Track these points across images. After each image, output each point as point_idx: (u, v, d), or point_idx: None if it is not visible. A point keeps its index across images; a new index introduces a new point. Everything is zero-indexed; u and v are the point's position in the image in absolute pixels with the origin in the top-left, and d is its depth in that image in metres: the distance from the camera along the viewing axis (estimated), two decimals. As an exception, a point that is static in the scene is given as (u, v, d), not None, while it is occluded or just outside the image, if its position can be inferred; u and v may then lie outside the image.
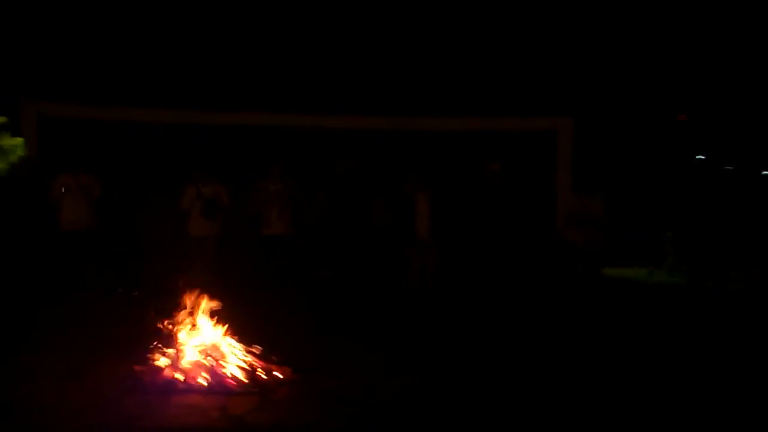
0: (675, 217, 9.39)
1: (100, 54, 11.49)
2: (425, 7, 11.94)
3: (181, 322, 5.09)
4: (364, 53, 11.85)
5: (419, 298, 8.05)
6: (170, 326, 5.04)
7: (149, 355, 4.98)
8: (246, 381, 4.78)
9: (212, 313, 5.21)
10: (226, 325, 5.18)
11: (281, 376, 4.93)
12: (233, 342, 5.12)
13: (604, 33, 11.86)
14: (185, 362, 4.87)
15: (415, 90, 11.06)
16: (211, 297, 5.27)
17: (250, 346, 5.15)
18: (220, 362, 4.88)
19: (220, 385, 4.73)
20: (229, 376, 4.81)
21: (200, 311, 5.21)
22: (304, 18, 11.69)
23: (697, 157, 11.80)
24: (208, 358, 4.89)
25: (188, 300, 5.31)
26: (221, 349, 5.00)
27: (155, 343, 5.03)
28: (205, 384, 4.71)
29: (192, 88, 10.46)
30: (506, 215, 9.48)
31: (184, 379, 4.75)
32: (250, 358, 5.03)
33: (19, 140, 11.21)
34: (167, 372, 4.80)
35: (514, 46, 12.02)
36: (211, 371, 4.79)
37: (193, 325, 5.12)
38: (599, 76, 11.87)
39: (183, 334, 5.04)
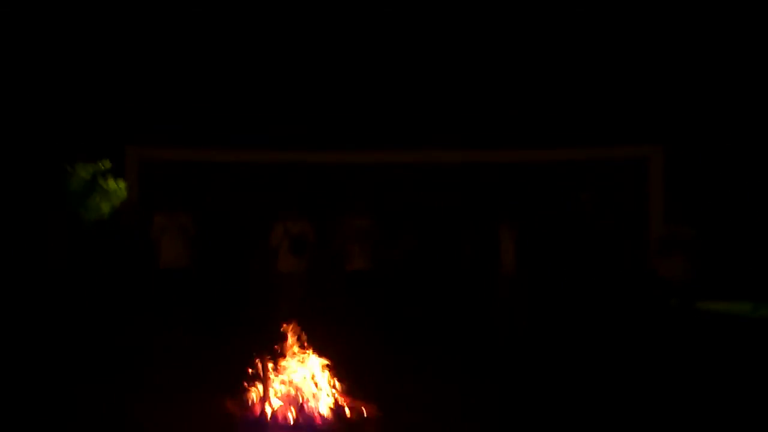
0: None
1: (196, 100, 12.15)
2: (508, 38, 11.95)
3: (273, 357, 5.21)
4: (448, 88, 11.96)
5: (508, 336, 7.91)
6: (262, 362, 5.17)
7: (241, 391, 5.13)
8: (332, 418, 4.83)
9: (302, 349, 5.31)
10: (315, 361, 5.26)
11: (366, 414, 4.96)
12: (321, 378, 5.19)
13: (693, 58, 11.50)
14: (275, 398, 4.98)
15: (499, 122, 11.03)
16: (301, 333, 5.37)
17: (336, 382, 5.21)
18: (308, 398, 4.95)
19: (307, 421, 4.79)
20: (317, 412, 4.87)
21: (290, 347, 5.32)
22: (386, 57, 11.95)
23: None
24: (297, 393, 4.98)
25: (279, 335, 5.45)
26: (309, 385, 5.08)
27: (247, 378, 5.17)
28: (293, 420, 4.79)
29: (279, 130, 10.86)
30: (596, 247, 9.22)
31: (274, 415, 4.85)
32: (336, 395, 5.09)
33: (121, 183, 11.97)
34: (257, 407, 4.91)
35: (602, 73, 11.82)
36: (300, 407, 4.87)
37: (284, 361, 5.23)
38: (691, 102, 11.47)
39: (274, 370, 5.15)
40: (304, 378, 5.12)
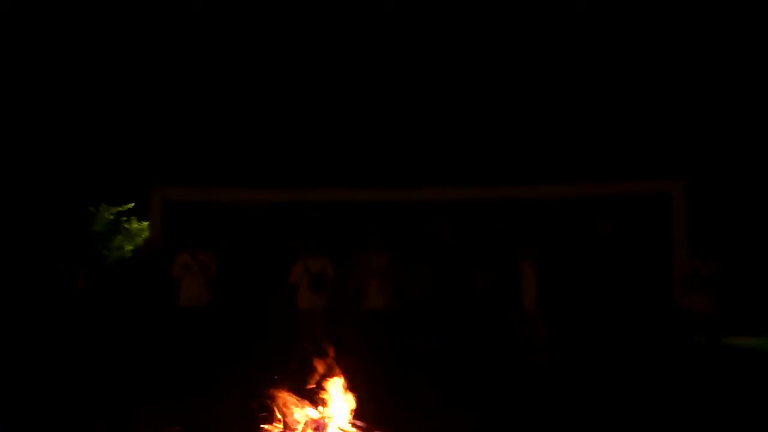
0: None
1: (218, 141, 12.39)
2: (531, 73, 12.05)
3: (291, 393, 5.18)
4: (469, 126, 12.06)
5: (528, 374, 7.77)
6: (280, 398, 5.14)
7: (260, 428, 5.10)
8: (350, 454, 4.78)
9: (320, 386, 5.28)
10: (333, 398, 5.22)
11: (385, 450, 4.89)
12: (340, 414, 5.14)
13: (716, 95, 11.49)
14: (292, 433, 4.94)
15: (521, 158, 11.05)
16: (320, 369, 5.34)
17: (355, 419, 5.16)
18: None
19: (324, 457, 4.75)
20: (334, 448, 4.82)
21: (310, 383, 5.29)
22: (406, 97, 12.12)
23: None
24: (320, 429, 4.93)
25: (298, 372, 5.44)
26: (328, 423, 5.03)
27: (266, 415, 5.15)
28: (311, 457, 4.74)
29: (298, 169, 10.99)
30: (618, 282, 9.09)
31: (291, 452, 4.81)
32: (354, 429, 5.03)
33: (144, 224, 12.16)
34: (275, 444, 4.88)
35: (623, 109, 11.85)
36: (317, 443, 4.82)
37: (302, 397, 5.20)
38: (713, 137, 11.43)
39: (292, 406, 5.12)
40: (321, 415, 5.09)
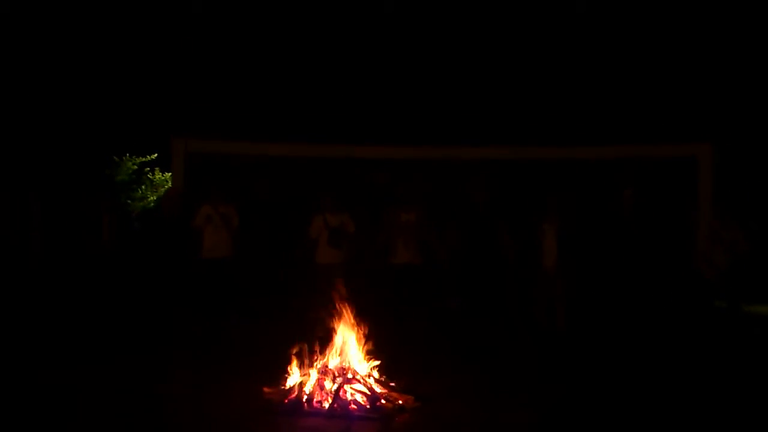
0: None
1: (243, 93, 12.36)
2: (558, 37, 11.83)
3: (311, 346, 5.26)
4: (498, 86, 11.92)
5: (547, 333, 7.81)
6: (300, 350, 5.22)
7: (279, 378, 5.21)
8: (368, 407, 4.86)
9: (340, 339, 5.35)
10: (353, 351, 5.30)
11: (403, 403, 4.97)
12: (359, 367, 5.22)
13: (743, 58, 11.20)
14: (312, 386, 5.04)
15: (548, 119, 10.93)
16: (340, 323, 5.40)
17: (374, 372, 5.25)
18: (345, 387, 4.99)
19: (343, 409, 4.84)
20: (352, 401, 4.91)
21: (329, 336, 5.37)
22: (435, 54, 11.96)
23: None
24: (335, 382, 5.02)
25: (317, 325, 5.52)
26: (347, 375, 5.11)
27: (285, 366, 5.25)
28: (330, 408, 4.83)
29: (323, 123, 10.95)
30: (640, 246, 9.03)
31: (311, 402, 4.91)
32: (374, 384, 5.12)
33: (167, 175, 12.26)
34: (295, 395, 4.98)
35: (649, 70, 11.61)
36: (336, 396, 4.91)
37: (322, 350, 5.28)
38: (740, 99, 11.19)
39: (311, 358, 5.21)
40: (341, 366, 5.18)
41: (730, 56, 11.27)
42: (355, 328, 5.32)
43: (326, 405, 4.87)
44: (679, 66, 11.54)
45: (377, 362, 5.29)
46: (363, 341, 5.32)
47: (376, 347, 5.37)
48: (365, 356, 5.29)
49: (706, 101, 11.06)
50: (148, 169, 12.75)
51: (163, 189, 11.99)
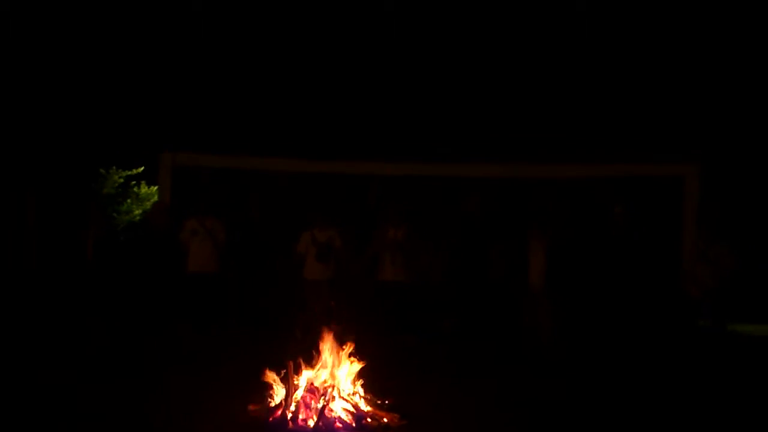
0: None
1: (231, 108, 12.34)
2: (546, 55, 11.93)
3: (296, 362, 5.20)
4: (485, 103, 11.97)
5: (533, 353, 7.78)
6: (285, 366, 5.16)
7: (264, 395, 5.14)
8: (353, 425, 4.81)
9: (326, 356, 5.29)
10: (338, 369, 5.24)
11: (388, 422, 4.92)
12: (345, 385, 5.17)
13: (732, 79, 11.34)
14: (297, 403, 4.97)
15: (537, 138, 10.98)
16: (325, 338, 5.35)
17: (360, 390, 5.20)
18: (330, 405, 4.93)
19: (328, 427, 4.78)
20: (337, 419, 4.86)
21: (314, 353, 5.31)
22: (425, 71, 12.01)
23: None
24: (321, 399, 4.97)
25: (302, 341, 5.47)
26: (332, 392, 5.06)
27: (271, 382, 5.19)
28: (315, 426, 4.77)
29: (314, 139, 10.93)
30: (627, 265, 9.05)
31: (295, 420, 4.85)
32: (359, 402, 5.06)
33: (153, 188, 12.17)
34: (279, 412, 4.91)
35: (638, 89, 11.72)
36: (321, 414, 4.85)
37: (307, 367, 5.23)
38: (728, 121, 11.30)
39: (297, 375, 5.15)
40: (326, 384, 5.12)
41: (720, 78, 11.40)
42: (342, 346, 5.27)
43: (311, 423, 4.82)
44: (669, 87, 11.65)
45: (362, 380, 5.25)
46: (350, 358, 5.27)
47: (363, 365, 5.33)
48: (352, 374, 5.24)
49: (695, 122, 11.16)
50: (135, 182, 12.65)
51: (149, 203, 11.88)
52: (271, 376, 5.16)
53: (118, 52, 12.48)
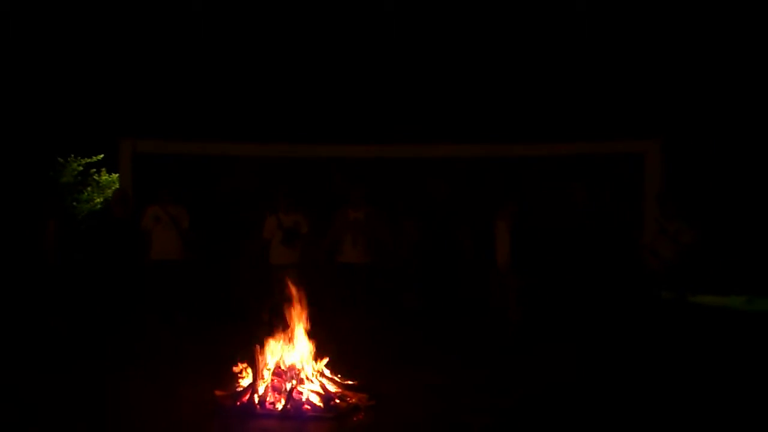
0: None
1: (190, 93, 12.13)
2: (509, 35, 11.95)
3: (263, 346, 5.16)
4: (448, 84, 11.97)
5: (501, 329, 7.85)
6: (252, 351, 5.12)
7: (231, 380, 5.10)
8: (321, 406, 4.80)
9: (292, 339, 5.27)
10: (305, 351, 5.22)
11: (357, 402, 4.93)
12: (312, 367, 5.16)
13: (692, 55, 11.50)
14: (264, 387, 4.95)
15: (499, 117, 11.03)
16: (291, 322, 5.32)
17: (328, 371, 5.19)
18: (298, 388, 4.92)
19: (296, 410, 4.77)
20: (306, 401, 4.84)
21: (280, 337, 5.28)
22: (391, 52, 11.95)
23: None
24: (287, 383, 4.95)
25: (269, 326, 5.43)
26: (300, 375, 5.04)
27: (237, 367, 5.15)
28: (282, 409, 4.76)
29: (277, 122, 10.82)
30: (590, 241, 9.18)
31: (263, 404, 4.83)
32: (327, 384, 5.06)
33: (114, 176, 11.94)
34: (247, 397, 4.88)
35: (601, 69, 11.82)
36: (289, 396, 4.83)
37: (274, 350, 5.20)
38: (689, 97, 11.48)
39: (264, 359, 5.11)
40: (294, 367, 5.10)
41: (678, 55, 11.56)
42: (308, 328, 5.25)
43: (279, 406, 4.80)
44: (629, 65, 11.78)
45: (327, 359, 5.23)
46: (316, 341, 5.25)
47: (330, 346, 5.32)
48: (318, 355, 5.22)
49: (655, 99, 11.31)
50: (95, 170, 12.39)
51: (110, 191, 11.66)
52: (238, 362, 5.13)
53: (74, 34, 12.16)
